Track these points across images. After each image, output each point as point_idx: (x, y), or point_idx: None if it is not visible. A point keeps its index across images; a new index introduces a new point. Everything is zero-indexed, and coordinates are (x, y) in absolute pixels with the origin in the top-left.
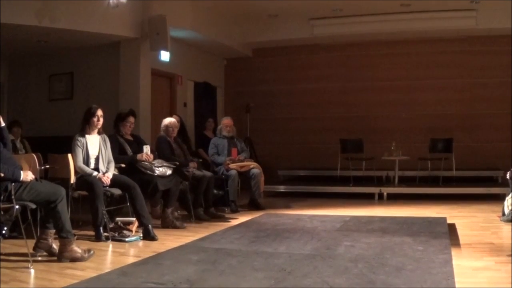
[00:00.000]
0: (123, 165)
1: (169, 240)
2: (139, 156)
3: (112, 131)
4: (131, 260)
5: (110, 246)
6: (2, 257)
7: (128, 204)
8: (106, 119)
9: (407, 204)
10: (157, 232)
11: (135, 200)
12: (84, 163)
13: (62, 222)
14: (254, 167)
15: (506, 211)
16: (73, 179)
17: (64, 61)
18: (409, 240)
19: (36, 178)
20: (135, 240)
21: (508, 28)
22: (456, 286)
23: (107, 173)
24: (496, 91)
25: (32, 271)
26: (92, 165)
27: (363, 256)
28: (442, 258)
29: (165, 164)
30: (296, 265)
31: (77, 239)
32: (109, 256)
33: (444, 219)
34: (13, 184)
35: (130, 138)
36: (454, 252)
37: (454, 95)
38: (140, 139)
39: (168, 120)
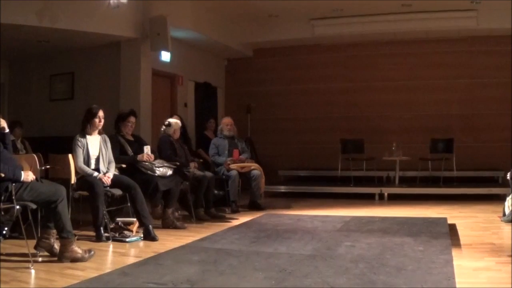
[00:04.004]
0: (123, 166)
1: (169, 241)
2: (139, 157)
3: (112, 131)
4: (131, 260)
5: (111, 246)
6: (3, 257)
7: (129, 204)
8: (106, 119)
9: (407, 204)
10: (158, 233)
11: (136, 200)
12: (84, 163)
13: (62, 222)
14: (255, 168)
15: (507, 211)
16: (73, 179)
17: (65, 61)
18: (410, 240)
19: (36, 178)
20: (135, 241)
21: (509, 28)
22: (457, 286)
23: (108, 173)
24: (497, 92)
25: (33, 271)
26: (93, 166)
27: (363, 256)
28: (442, 258)
29: (165, 164)
30: (296, 266)
31: (77, 239)
32: (110, 257)
33: (445, 219)
34: (13, 184)
35: (131, 138)
36: (454, 252)
37: (454, 96)
38: (140, 139)
39: (173, 121)
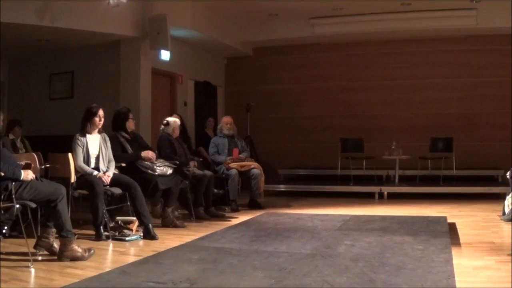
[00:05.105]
0: (123, 164)
1: (169, 239)
2: (144, 153)
3: (111, 131)
4: (131, 259)
5: (111, 245)
6: (3, 256)
7: (129, 203)
8: (106, 118)
9: (407, 203)
10: (158, 231)
11: (136, 199)
12: (84, 162)
13: (62, 221)
14: (255, 167)
15: (507, 210)
16: (73, 178)
17: (65, 60)
18: (410, 239)
19: (36, 177)
20: (135, 239)
21: (508, 27)
22: (457, 285)
23: (108, 172)
24: (497, 90)
25: (33, 270)
26: (93, 164)
27: (363, 255)
28: (442, 257)
29: (166, 163)
30: (296, 264)
31: (77, 238)
32: (110, 255)
33: (445, 218)
34: (13, 183)
35: (129, 137)
36: (454, 251)
37: (454, 94)
38: (138, 138)
39: (172, 120)
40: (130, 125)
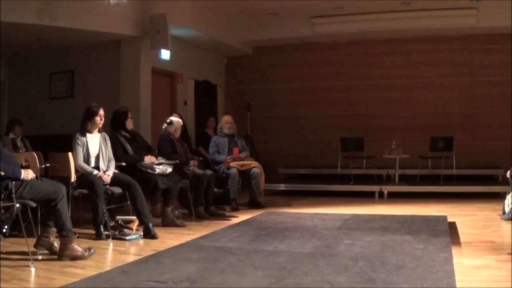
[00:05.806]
0: (123, 164)
1: (169, 239)
2: (147, 158)
3: (109, 130)
4: (131, 258)
5: (111, 244)
6: (3, 255)
7: (129, 202)
8: (106, 117)
9: (407, 202)
10: (158, 231)
11: (136, 198)
12: (84, 161)
13: (62, 220)
14: (255, 166)
15: (507, 209)
16: (73, 177)
17: (65, 59)
18: (410, 238)
19: (36, 177)
20: (135, 239)
21: (509, 26)
22: (457, 284)
23: (108, 171)
24: (497, 90)
25: (33, 269)
26: (93, 164)
27: (363, 254)
28: (442, 256)
29: (165, 161)
30: (296, 264)
31: (77, 237)
32: (110, 255)
33: (445, 217)
34: (13, 182)
35: (128, 135)
36: (454, 250)
37: (454, 94)
38: (137, 136)
39: (175, 120)
40: (129, 124)
